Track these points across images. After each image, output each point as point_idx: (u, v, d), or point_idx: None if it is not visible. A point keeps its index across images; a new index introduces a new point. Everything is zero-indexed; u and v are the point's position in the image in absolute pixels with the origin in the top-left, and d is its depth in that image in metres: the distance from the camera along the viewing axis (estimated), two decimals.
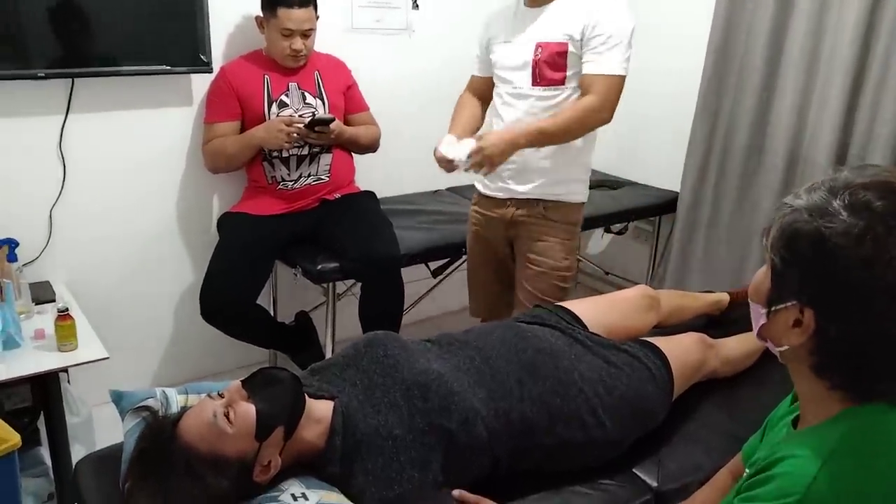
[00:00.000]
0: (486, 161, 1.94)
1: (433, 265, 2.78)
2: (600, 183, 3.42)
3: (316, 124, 2.39)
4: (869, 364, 0.90)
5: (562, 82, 2.04)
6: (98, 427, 2.32)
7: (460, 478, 1.41)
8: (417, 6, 2.97)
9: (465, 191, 3.22)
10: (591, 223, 3.26)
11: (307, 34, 2.42)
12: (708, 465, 1.63)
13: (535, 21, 2.06)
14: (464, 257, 2.76)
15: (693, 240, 3.19)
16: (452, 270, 2.83)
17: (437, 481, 1.35)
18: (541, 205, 2.14)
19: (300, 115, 2.46)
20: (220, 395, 1.33)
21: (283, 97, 2.48)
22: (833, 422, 0.94)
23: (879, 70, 2.50)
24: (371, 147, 2.68)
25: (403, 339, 1.61)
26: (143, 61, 2.37)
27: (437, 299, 3.05)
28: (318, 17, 2.44)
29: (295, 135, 2.37)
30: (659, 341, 1.78)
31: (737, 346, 1.97)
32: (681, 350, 1.77)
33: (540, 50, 2.03)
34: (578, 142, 2.09)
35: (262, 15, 2.43)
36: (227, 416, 1.27)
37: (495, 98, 2.20)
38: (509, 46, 2.11)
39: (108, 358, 2.01)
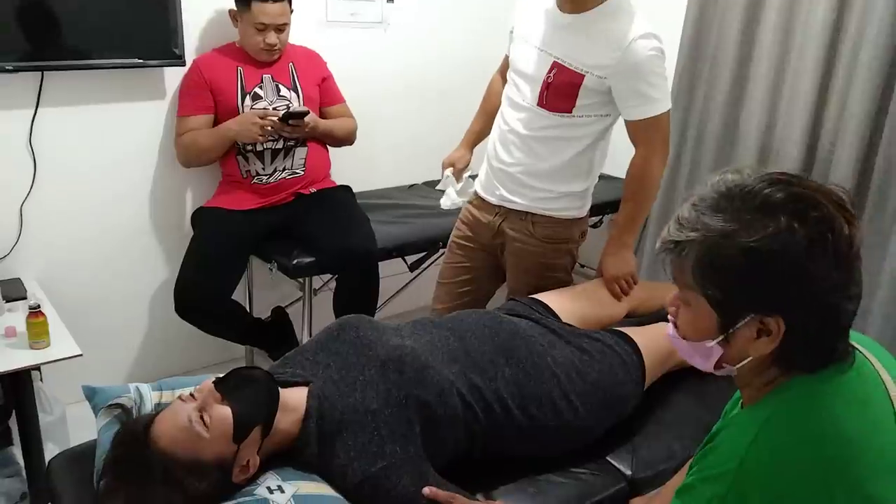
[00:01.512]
0: (615, 281, 1.98)
1: (410, 259, 2.78)
2: None
3: (290, 117, 2.37)
4: (820, 338, 0.94)
5: (569, 112, 1.89)
6: (72, 425, 2.30)
7: (438, 453, 1.42)
8: (392, 0, 2.96)
9: None
10: None
11: (281, 28, 2.40)
12: (681, 453, 1.66)
13: (565, 32, 1.86)
14: (441, 251, 2.77)
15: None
16: (429, 265, 2.84)
17: (420, 455, 1.36)
18: (529, 219, 2.03)
19: (274, 108, 2.44)
20: (192, 397, 1.31)
21: (257, 89, 2.46)
22: (767, 397, 0.97)
23: (848, 63, 2.54)
24: (347, 140, 2.67)
25: (375, 320, 1.62)
26: (115, 54, 2.34)
27: (413, 294, 3.06)
28: (292, 11, 2.43)
29: (269, 128, 2.35)
30: (630, 331, 1.81)
31: None
32: (652, 338, 1.80)
33: (555, 70, 1.86)
34: (571, 155, 1.94)
35: (235, 9, 2.40)
36: (202, 419, 1.26)
37: (505, 91, 2.06)
38: (526, 48, 1.94)
39: (81, 355, 1.99)
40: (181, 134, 2.45)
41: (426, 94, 3.20)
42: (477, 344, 1.58)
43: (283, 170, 2.50)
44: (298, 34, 2.59)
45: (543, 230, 2.02)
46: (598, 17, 1.82)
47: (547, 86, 1.88)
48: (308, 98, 2.53)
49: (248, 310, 2.73)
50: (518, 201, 2.02)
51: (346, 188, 2.69)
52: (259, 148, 2.45)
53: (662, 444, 1.71)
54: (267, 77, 2.48)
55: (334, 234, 2.42)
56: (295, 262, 2.39)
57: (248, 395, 1.32)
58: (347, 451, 1.33)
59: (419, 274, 2.87)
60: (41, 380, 2.30)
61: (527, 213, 2.02)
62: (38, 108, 2.29)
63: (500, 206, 2.07)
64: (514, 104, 1.99)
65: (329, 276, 2.65)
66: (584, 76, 1.83)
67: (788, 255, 0.88)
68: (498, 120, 2.08)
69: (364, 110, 2.76)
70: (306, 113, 2.40)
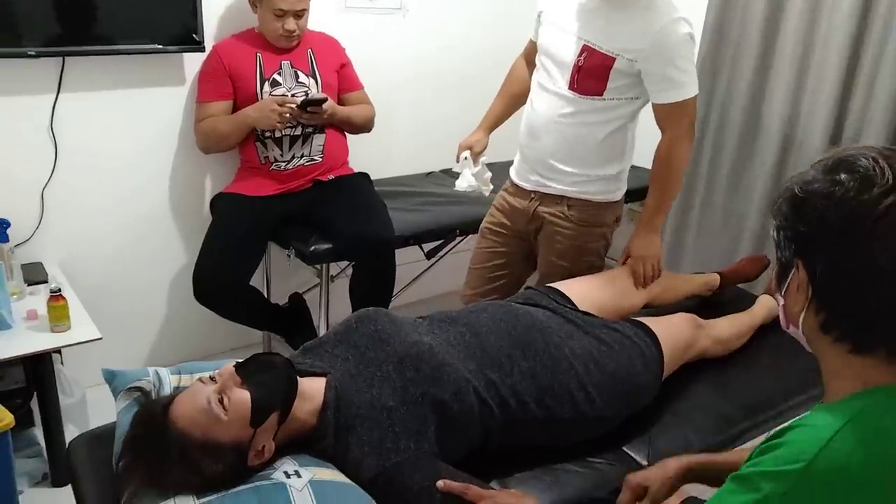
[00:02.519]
0: (641, 262, 1.99)
1: (427, 247, 2.78)
2: None
3: (308, 104, 2.37)
4: (863, 302, 0.91)
5: (599, 95, 1.90)
6: (91, 408, 2.33)
7: (454, 449, 1.42)
8: None
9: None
10: None
11: (300, 14, 2.40)
12: (697, 444, 1.66)
13: (596, 16, 1.87)
14: (458, 239, 2.76)
15: (687, 220, 3.20)
16: (446, 252, 2.83)
17: (433, 452, 1.37)
18: (564, 202, 2.05)
19: (293, 95, 2.44)
20: (213, 380, 1.32)
21: (276, 76, 2.46)
22: (855, 397, 0.93)
23: (874, 53, 2.49)
24: (365, 127, 2.66)
25: (394, 314, 1.62)
26: (135, 40, 2.35)
27: (429, 281, 3.06)
28: None
29: (287, 115, 2.36)
30: (649, 321, 1.80)
31: (727, 327, 1.99)
32: (671, 329, 1.78)
33: (586, 54, 1.88)
34: (602, 138, 1.96)
35: None
36: (221, 402, 1.27)
37: (534, 77, 2.06)
38: (556, 32, 1.95)
39: (100, 339, 2.02)
40: (200, 120, 2.46)
41: (444, 81, 3.18)
42: (493, 339, 1.58)
43: (302, 156, 2.50)
44: (317, 20, 2.58)
45: (579, 213, 2.04)
46: (628, 1, 1.84)
47: (578, 69, 1.89)
48: (326, 84, 2.53)
49: (265, 296, 2.74)
50: (553, 185, 2.04)
51: (364, 175, 2.68)
52: (277, 134, 2.45)
53: (679, 435, 1.70)
54: (286, 63, 2.47)
55: (352, 221, 2.42)
56: (312, 248, 2.40)
57: (266, 380, 1.32)
58: (362, 446, 1.34)
59: (436, 262, 2.87)
60: (62, 363, 2.33)
61: (562, 196, 2.04)
62: (60, 94, 2.31)
63: (535, 192, 2.09)
64: (545, 89, 2.00)
65: (346, 263, 2.65)
66: (615, 59, 1.85)
67: (819, 199, 0.90)
68: (528, 106, 2.08)
69: (382, 97, 2.75)
70: (324, 100, 2.40)
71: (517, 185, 2.14)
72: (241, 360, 1.36)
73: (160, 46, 2.38)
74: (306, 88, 2.48)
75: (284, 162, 2.49)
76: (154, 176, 2.58)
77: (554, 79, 1.96)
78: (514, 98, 2.22)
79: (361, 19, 2.85)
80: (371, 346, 1.49)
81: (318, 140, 2.52)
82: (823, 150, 2.66)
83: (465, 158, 2.19)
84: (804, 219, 0.93)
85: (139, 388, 1.48)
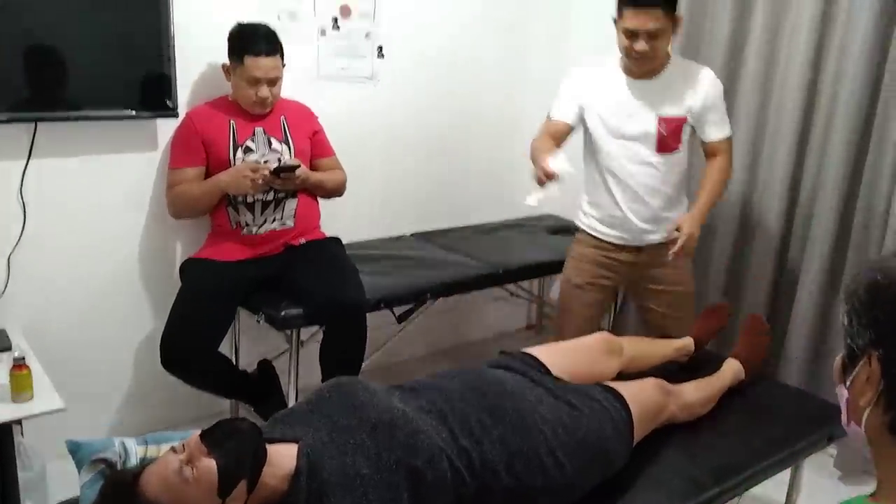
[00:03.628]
0: (690, 237, 2.26)
1: (398, 310, 2.78)
2: (563, 228, 3.48)
3: (281, 171, 2.40)
4: None
5: (678, 148, 2.37)
6: (52, 482, 2.25)
7: None
8: (383, 55, 3.03)
9: (432, 235, 3.26)
10: (553, 268, 3.31)
11: (273, 82, 2.44)
12: None
13: (652, 94, 2.33)
14: (428, 303, 2.78)
15: None
16: (417, 316, 2.84)
17: None
18: (664, 246, 2.35)
19: (265, 161, 2.47)
20: (183, 448, 1.31)
21: (249, 142, 2.49)
22: None
23: (824, 122, 2.63)
24: (337, 191, 2.69)
25: (368, 382, 1.62)
26: (108, 106, 2.37)
27: (401, 345, 3.05)
28: (284, 65, 2.47)
29: (260, 181, 2.38)
30: (618, 385, 1.82)
31: (695, 392, 2.01)
32: (640, 395, 1.80)
33: (664, 124, 2.33)
34: (681, 178, 2.46)
35: (228, 63, 2.45)
36: (187, 472, 1.26)
37: (606, 158, 2.42)
38: (623, 116, 2.35)
39: (64, 409, 1.96)
40: (172, 185, 2.47)
41: (415, 147, 3.25)
42: (465, 406, 1.58)
43: (273, 221, 2.52)
44: (291, 87, 2.63)
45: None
46: (672, 73, 2.34)
47: (661, 136, 2.34)
48: (299, 151, 2.57)
49: (234, 363, 2.71)
50: (657, 237, 2.44)
51: (336, 240, 2.70)
52: (249, 200, 2.47)
53: (651, 500, 1.70)
54: (259, 129, 2.51)
55: (324, 286, 2.42)
56: (283, 313, 2.38)
57: (232, 448, 1.31)
58: None
59: (407, 326, 2.87)
60: (21, 434, 2.25)
61: (662, 242, 2.40)
62: (31, 159, 2.30)
63: (643, 246, 2.48)
64: (634, 162, 2.38)
65: (316, 328, 2.64)
66: (685, 118, 2.35)
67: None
68: (612, 181, 2.43)
69: (353, 162, 2.79)
70: (297, 166, 2.43)
71: (619, 245, 2.49)
72: (206, 428, 1.35)
73: (133, 112, 2.41)
74: (279, 155, 2.52)
75: (256, 227, 2.49)
76: (123, 242, 2.56)
77: (639, 153, 2.36)
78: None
79: (334, 87, 2.92)
80: (344, 414, 1.48)
81: (291, 205, 2.54)
82: (780, 213, 2.76)
83: (554, 180, 2.16)
84: (885, 307, 0.86)
85: (104, 460, 1.45)
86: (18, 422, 1.97)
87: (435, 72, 3.23)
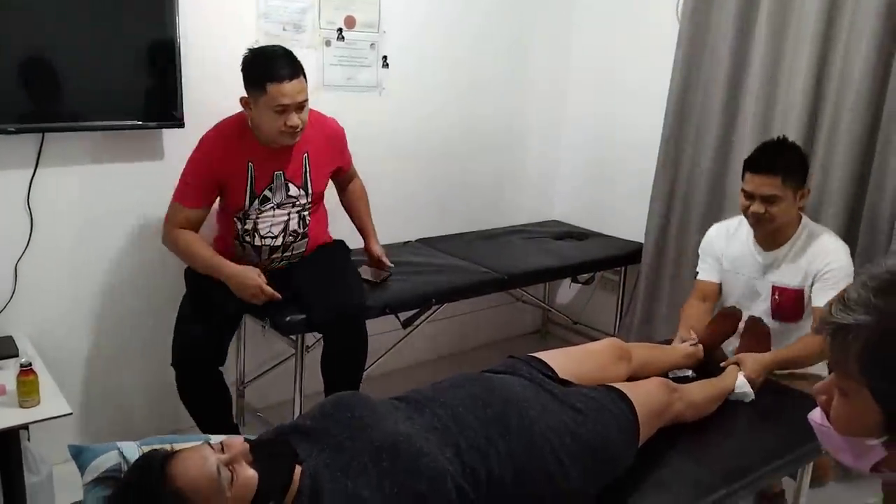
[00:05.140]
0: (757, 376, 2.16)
1: (403, 316, 2.79)
2: (567, 233, 3.49)
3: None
4: None
5: (799, 318, 2.30)
6: (58, 486, 2.26)
7: None
8: (387, 65, 3.06)
9: (436, 242, 3.27)
10: (558, 273, 3.31)
11: (301, 106, 2.24)
12: None
13: (770, 263, 2.31)
14: (433, 309, 2.78)
15: (657, 290, 3.25)
16: (422, 321, 2.84)
17: None
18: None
19: (280, 206, 2.40)
20: (222, 449, 1.33)
21: (267, 192, 2.37)
22: None
23: (830, 122, 2.62)
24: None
25: (371, 398, 1.61)
26: (114, 116, 2.38)
27: (406, 351, 3.05)
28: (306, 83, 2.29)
29: (263, 299, 2.28)
30: (623, 386, 1.81)
31: (700, 391, 2.00)
32: (645, 394, 1.80)
33: (778, 294, 2.30)
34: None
35: (246, 95, 2.26)
36: (229, 475, 1.28)
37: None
38: (743, 278, 2.38)
39: (70, 414, 1.98)
40: (174, 220, 2.35)
41: (420, 154, 3.27)
42: (471, 420, 1.56)
43: (282, 260, 2.49)
44: None
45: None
46: (796, 248, 2.27)
47: (776, 305, 2.31)
48: (316, 194, 2.48)
49: (239, 368, 2.70)
50: None
51: (341, 243, 2.68)
52: (258, 242, 2.41)
53: (659, 502, 1.69)
54: (278, 175, 2.37)
55: (325, 291, 2.40)
56: (288, 319, 2.39)
57: (276, 468, 1.34)
58: None
59: (412, 331, 2.88)
60: (28, 439, 2.26)
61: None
62: (38, 169, 2.32)
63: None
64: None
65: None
66: (802, 289, 2.26)
67: None
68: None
69: (360, 168, 2.81)
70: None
71: None
72: (254, 439, 1.38)
73: (140, 122, 2.42)
74: (294, 199, 2.43)
75: (263, 265, 2.43)
76: (129, 250, 2.58)
77: (755, 315, 2.33)
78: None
79: (339, 97, 2.94)
80: (347, 434, 1.47)
81: (300, 246, 2.50)
82: None
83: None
84: None
85: (112, 478, 1.46)
86: (26, 427, 1.99)
87: (439, 81, 3.25)
